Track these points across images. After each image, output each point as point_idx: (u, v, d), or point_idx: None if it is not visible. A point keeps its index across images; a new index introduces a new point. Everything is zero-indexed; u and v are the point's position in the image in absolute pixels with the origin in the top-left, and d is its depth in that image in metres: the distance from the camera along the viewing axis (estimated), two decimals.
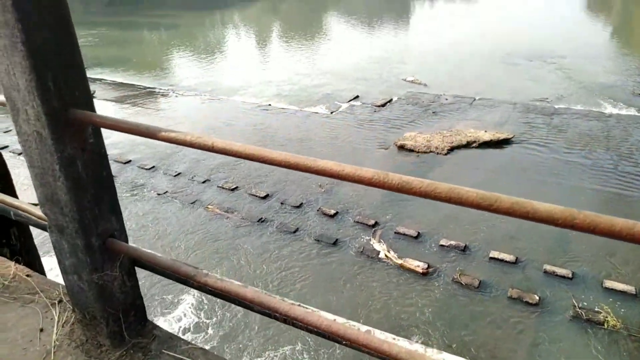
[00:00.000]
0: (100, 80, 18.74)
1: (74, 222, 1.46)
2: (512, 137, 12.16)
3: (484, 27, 30.55)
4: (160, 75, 20.42)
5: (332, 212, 8.87)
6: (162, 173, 10.71)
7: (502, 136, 12.17)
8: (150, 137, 1.35)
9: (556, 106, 14.53)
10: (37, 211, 1.67)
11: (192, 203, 9.34)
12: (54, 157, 1.36)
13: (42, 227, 1.67)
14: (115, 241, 1.58)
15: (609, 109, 14.02)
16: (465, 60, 20.95)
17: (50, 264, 3.49)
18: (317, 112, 15.01)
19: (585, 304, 6.53)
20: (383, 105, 15.55)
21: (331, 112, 14.98)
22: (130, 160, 11.25)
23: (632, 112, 13.73)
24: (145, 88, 17.91)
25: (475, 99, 15.54)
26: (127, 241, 1.66)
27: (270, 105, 15.79)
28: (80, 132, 1.42)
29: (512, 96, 15.73)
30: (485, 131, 12.54)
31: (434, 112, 14.58)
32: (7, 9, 1.18)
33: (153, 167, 10.91)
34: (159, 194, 9.72)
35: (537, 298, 6.60)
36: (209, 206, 9.19)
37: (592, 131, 12.47)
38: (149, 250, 1.58)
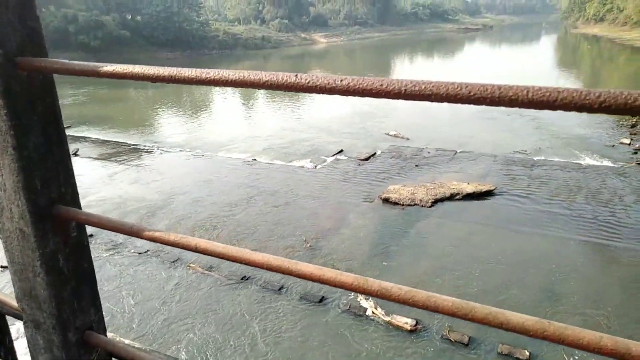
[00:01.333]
0: (85, 138, 18.79)
1: (52, 317, 1.41)
2: (495, 189, 12.33)
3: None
4: (145, 132, 20.59)
5: None
6: None
7: (485, 188, 12.34)
8: (135, 235, 1.33)
9: (535, 158, 14.92)
10: (14, 302, 1.61)
11: (173, 262, 9.10)
12: (35, 253, 1.33)
13: (19, 318, 1.60)
14: (93, 334, 1.51)
15: (585, 160, 14.43)
16: (445, 114, 21.66)
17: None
18: (302, 166, 15.13)
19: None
20: (367, 158, 15.78)
21: (316, 166, 15.13)
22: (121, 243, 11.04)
23: (607, 163, 14.14)
24: (130, 145, 17.97)
25: (456, 152, 15.89)
26: (105, 332, 1.59)
27: (255, 160, 15.90)
28: (64, 227, 1.39)
29: (492, 149, 16.14)
30: (468, 183, 12.71)
31: (417, 165, 14.81)
32: (1, 117, 1.19)
33: (133, 225, 10.70)
34: (139, 253, 9.47)
35: (527, 354, 6.42)
36: (191, 264, 8.96)
37: (571, 182, 12.74)
38: (127, 342, 1.52)
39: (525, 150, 15.78)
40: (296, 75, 0.89)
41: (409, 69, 45.06)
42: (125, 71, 1.10)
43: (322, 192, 12.87)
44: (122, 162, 15.95)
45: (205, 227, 10.62)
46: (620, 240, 9.62)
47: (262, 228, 10.47)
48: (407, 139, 17.96)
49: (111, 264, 9.09)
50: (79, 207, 1.41)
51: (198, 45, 58.68)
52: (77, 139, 18.62)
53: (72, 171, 1.42)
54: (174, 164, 15.80)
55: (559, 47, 66.58)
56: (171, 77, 1.03)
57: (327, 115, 22.58)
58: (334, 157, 15.97)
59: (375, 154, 16.20)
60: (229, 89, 34.44)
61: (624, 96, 0.64)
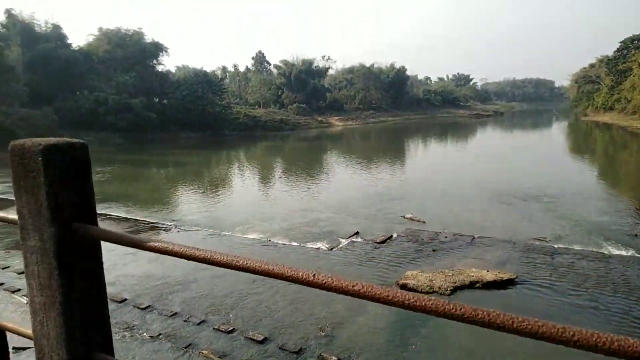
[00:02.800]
0: (105, 215, 19.16)
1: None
2: (516, 278, 11.99)
3: (477, 167, 32.31)
4: (165, 210, 20.97)
5: (334, 359, 8.33)
6: (157, 313, 10.32)
7: (505, 276, 12.01)
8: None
9: (555, 246, 14.62)
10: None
11: (185, 347, 8.82)
12: None
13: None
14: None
15: (608, 250, 14.07)
16: (461, 198, 21.71)
17: None
18: (317, 248, 15.05)
19: None
20: (383, 241, 15.66)
21: (332, 249, 15.02)
22: (125, 299, 10.93)
23: (632, 252, 13.77)
24: (149, 223, 18.24)
25: (474, 237, 15.70)
26: (113, 354, 1.60)
27: (271, 240, 15.91)
28: None
29: (510, 235, 15.93)
30: (488, 271, 12.41)
31: (434, 250, 14.61)
32: (53, 277, 1.34)
33: (149, 306, 10.56)
34: (151, 337, 9.23)
35: None
36: (203, 351, 8.66)
37: (595, 272, 12.34)
38: None
39: (545, 237, 15.52)
40: (314, 274, 1.06)
41: (422, 151, 46.05)
42: (166, 248, 1.27)
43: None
44: None
45: (219, 309, 10.40)
46: None
47: (277, 314, 10.21)
48: (424, 222, 17.89)
49: (122, 351, 8.84)
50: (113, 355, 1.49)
51: (219, 127, 61.37)
52: (99, 216, 18.98)
53: (109, 321, 1.52)
54: (190, 243, 15.83)
55: (571, 133, 67.85)
56: (205, 258, 1.19)
57: (343, 196, 22.82)
58: (349, 239, 15.89)
59: (391, 236, 16.09)
60: (248, 168, 35.41)
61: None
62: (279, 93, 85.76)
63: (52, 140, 1.36)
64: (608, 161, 36.81)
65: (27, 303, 1.53)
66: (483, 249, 14.57)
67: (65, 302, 1.35)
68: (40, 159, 1.31)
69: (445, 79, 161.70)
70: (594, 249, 14.21)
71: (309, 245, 15.37)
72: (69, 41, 58.60)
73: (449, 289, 11.52)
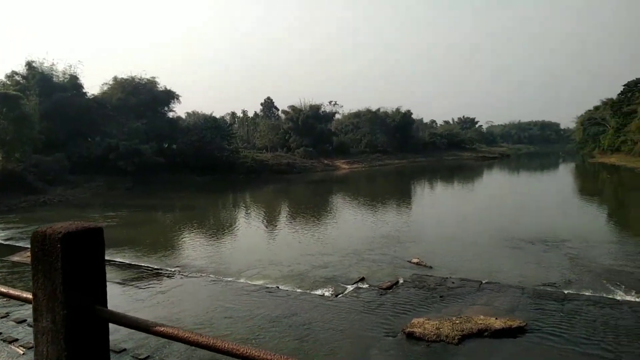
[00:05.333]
0: (109, 261, 19.14)
1: None
2: (525, 325, 11.64)
3: (484, 210, 32.10)
4: (169, 255, 20.91)
5: None
6: None
7: (515, 324, 11.66)
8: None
9: (565, 291, 14.27)
10: None
11: None
12: None
13: None
14: None
15: (620, 296, 13.70)
16: (468, 242, 21.45)
17: None
18: (322, 295, 14.81)
19: None
20: (389, 287, 15.39)
21: (336, 295, 14.78)
22: (124, 349, 10.74)
23: None
24: (152, 269, 18.14)
25: (482, 283, 15.39)
26: None
27: (275, 287, 15.71)
28: None
29: (519, 280, 15.61)
30: (496, 318, 12.07)
31: (441, 297, 14.31)
32: (61, 357, 1.45)
33: (148, 356, 10.35)
34: None
35: None
36: None
37: (607, 320, 11.96)
38: None
39: (555, 283, 15.18)
40: None
41: (429, 194, 45.98)
42: (172, 333, 1.36)
43: (342, 323, 12.38)
44: (142, 287, 15.98)
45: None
46: None
47: None
48: (430, 267, 17.63)
49: None
50: None
51: (227, 170, 62.08)
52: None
53: None
54: (193, 290, 15.69)
55: (578, 175, 67.61)
56: (208, 345, 1.27)
57: (348, 239, 22.67)
58: (354, 286, 15.65)
59: (397, 282, 15.84)
60: (254, 211, 35.47)
61: None
62: (287, 137, 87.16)
63: (71, 227, 1.45)
64: (617, 203, 36.44)
65: (22, 354, 1.57)
66: (491, 295, 14.25)
67: None
68: (59, 246, 1.39)
69: (451, 122, 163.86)
70: (604, 295, 13.84)
71: (314, 292, 15.14)
72: (84, 90, 60.69)
73: (456, 337, 11.19)
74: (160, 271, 17.89)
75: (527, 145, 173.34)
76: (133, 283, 16.37)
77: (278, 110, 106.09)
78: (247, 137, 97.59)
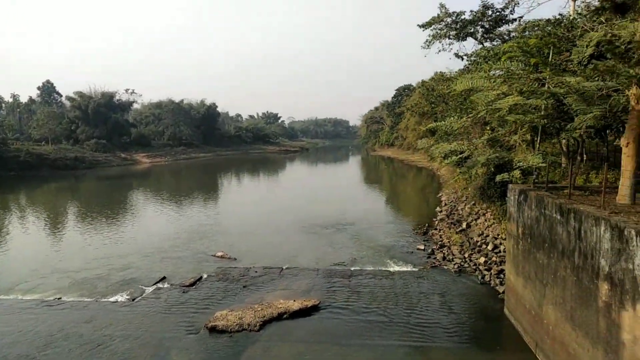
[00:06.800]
0: None
1: None
2: (319, 304, 12.77)
3: (286, 201, 34.01)
4: None
5: None
6: None
7: (310, 303, 12.68)
8: None
9: (352, 268, 16.20)
10: None
11: None
12: None
13: None
14: None
15: (392, 267, 16.24)
16: (271, 232, 22.42)
17: None
18: (116, 301, 13.49)
19: None
20: (192, 284, 14.97)
21: (134, 299, 13.65)
22: None
23: (410, 267, 16.17)
24: None
25: (283, 269, 16.27)
26: None
27: (59, 299, 13.65)
28: None
29: (315, 263, 17.04)
30: (294, 300, 12.93)
31: (244, 286, 14.60)
32: None
33: None
34: None
35: None
36: None
37: (383, 289, 14.03)
38: None
39: (344, 262, 17.07)
40: None
41: (235, 186, 46.44)
42: None
43: (140, 329, 11.51)
44: None
45: None
46: (431, 341, 10.67)
47: None
48: (235, 259, 17.82)
49: None
50: None
51: None
52: None
53: None
54: None
55: (363, 166, 77.56)
56: None
57: (150, 238, 21.21)
58: (154, 286, 14.73)
59: (201, 278, 15.53)
60: (32, 214, 30.03)
61: None
62: (73, 128, 76.38)
63: None
64: (392, 189, 43.06)
65: None
66: (291, 280, 15.19)
67: None
68: None
69: (256, 116, 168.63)
70: (381, 268, 16.21)
71: (106, 299, 13.68)
72: None
73: (257, 324, 11.57)
74: None
75: (323, 140, 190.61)
76: None
77: (61, 96, 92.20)
78: (19, 126, 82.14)
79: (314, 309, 12.51)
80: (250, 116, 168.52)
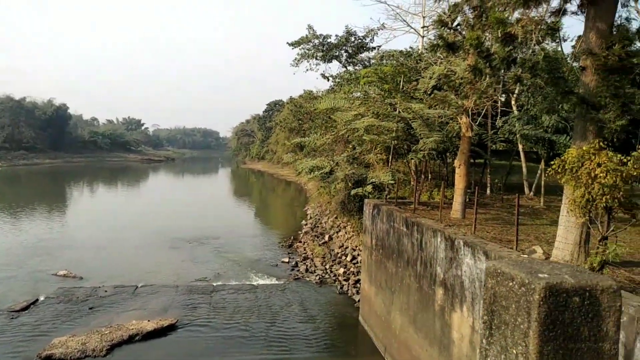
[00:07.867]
0: None
1: None
2: (176, 322, 12.07)
3: (146, 215, 31.69)
4: None
5: None
6: None
7: (166, 323, 11.91)
8: None
9: (215, 284, 15.69)
10: None
11: None
12: None
13: None
14: None
15: (256, 281, 16.16)
16: (126, 248, 20.64)
17: None
18: None
19: None
20: (25, 308, 12.98)
21: None
22: None
23: (274, 281, 16.26)
24: None
25: (137, 287, 15.06)
26: None
27: None
28: None
29: (174, 279, 16.11)
30: (149, 320, 12.02)
31: (91, 308, 13.13)
32: None
33: None
34: None
35: None
36: None
37: (246, 303, 13.84)
38: None
39: (206, 277, 16.46)
40: None
41: (86, 198, 41.91)
42: None
43: None
44: None
45: None
46: (291, 352, 10.78)
47: None
48: (81, 278, 15.98)
49: None
50: None
51: None
52: None
53: None
54: None
55: (233, 178, 76.50)
56: None
57: None
58: None
59: (36, 301, 13.57)
60: None
61: None
62: None
63: None
64: (261, 203, 43.12)
65: None
66: (146, 298, 14.11)
67: None
68: None
69: (115, 121, 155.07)
70: (245, 282, 16.02)
71: None
72: None
73: (104, 349, 10.48)
74: None
75: (191, 150, 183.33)
76: None
77: None
78: None
79: (171, 328, 11.78)
80: (109, 121, 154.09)
